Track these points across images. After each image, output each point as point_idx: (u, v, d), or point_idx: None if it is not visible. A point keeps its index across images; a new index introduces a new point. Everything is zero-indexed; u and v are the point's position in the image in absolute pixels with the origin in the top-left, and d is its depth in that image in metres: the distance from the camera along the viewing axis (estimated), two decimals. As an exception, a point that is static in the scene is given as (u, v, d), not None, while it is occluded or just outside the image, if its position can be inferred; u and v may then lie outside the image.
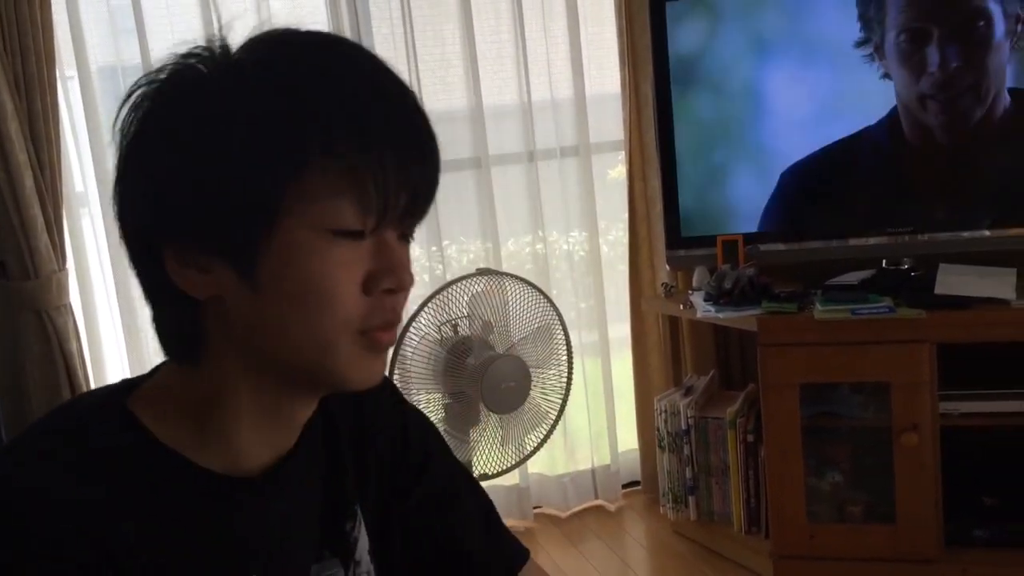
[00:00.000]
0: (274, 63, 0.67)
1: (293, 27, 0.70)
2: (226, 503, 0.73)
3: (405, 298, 0.73)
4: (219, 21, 2.48)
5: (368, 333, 0.70)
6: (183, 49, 0.68)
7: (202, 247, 0.67)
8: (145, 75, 0.69)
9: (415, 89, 0.71)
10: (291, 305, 0.68)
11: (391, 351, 2.03)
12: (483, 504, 0.94)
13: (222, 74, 0.67)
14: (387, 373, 2.06)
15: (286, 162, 0.65)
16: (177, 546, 0.69)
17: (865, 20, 2.43)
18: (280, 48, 0.69)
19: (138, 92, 0.68)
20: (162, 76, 0.68)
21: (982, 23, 2.35)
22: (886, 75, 2.44)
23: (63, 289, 2.44)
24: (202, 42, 0.68)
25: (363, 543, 0.85)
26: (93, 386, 2.52)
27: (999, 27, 2.34)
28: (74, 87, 2.53)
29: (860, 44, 2.43)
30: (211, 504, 0.72)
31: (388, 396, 0.91)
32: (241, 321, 0.69)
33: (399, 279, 0.70)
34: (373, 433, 0.87)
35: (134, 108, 0.68)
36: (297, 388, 0.74)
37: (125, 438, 0.70)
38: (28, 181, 2.32)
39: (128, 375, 0.77)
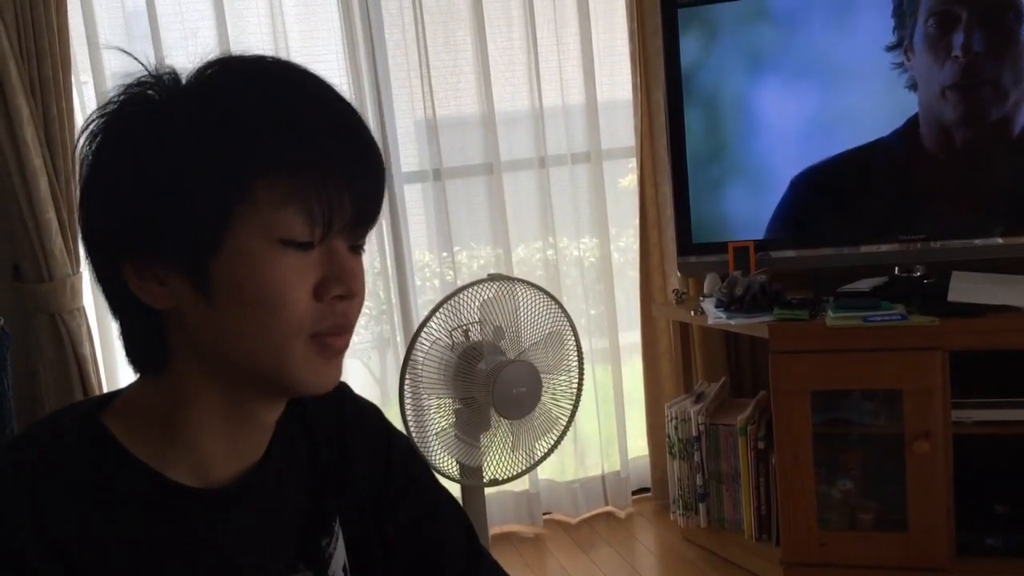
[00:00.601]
0: (220, 88, 0.71)
1: (240, 54, 0.73)
2: (192, 514, 0.74)
3: (358, 305, 0.75)
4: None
5: (320, 337, 0.73)
6: (132, 79, 0.72)
7: (158, 260, 0.70)
8: (100, 106, 0.72)
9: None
10: (244, 312, 0.70)
11: (401, 359, 2.04)
12: (466, 529, 0.95)
13: (172, 100, 0.70)
14: (399, 377, 2.05)
15: (232, 180, 0.68)
16: (142, 557, 0.71)
17: (899, 15, 2.42)
18: (226, 73, 0.72)
19: (94, 122, 0.72)
20: (115, 104, 0.71)
21: (1011, 15, 2.35)
22: (913, 86, 2.43)
23: (77, 293, 2.45)
24: (158, 69, 0.72)
25: (339, 557, 0.86)
26: (106, 389, 2.54)
27: None
28: (89, 92, 2.55)
29: (891, 48, 2.43)
30: (177, 515, 0.73)
31: (375, 421, 0.94)
32: (199, 330, 0.71)
33: (348, 287, 0.73)
34: (357, 452, 0.89)
35: (91, 137, 0.72)
36: (258, 392, 0.75)
37: (94, 451, 0.72)
38: (43, 185, 2.34)
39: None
